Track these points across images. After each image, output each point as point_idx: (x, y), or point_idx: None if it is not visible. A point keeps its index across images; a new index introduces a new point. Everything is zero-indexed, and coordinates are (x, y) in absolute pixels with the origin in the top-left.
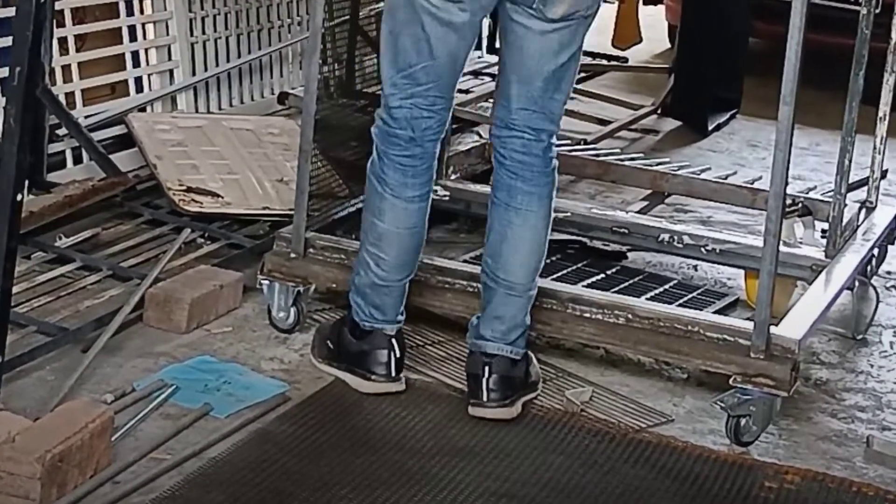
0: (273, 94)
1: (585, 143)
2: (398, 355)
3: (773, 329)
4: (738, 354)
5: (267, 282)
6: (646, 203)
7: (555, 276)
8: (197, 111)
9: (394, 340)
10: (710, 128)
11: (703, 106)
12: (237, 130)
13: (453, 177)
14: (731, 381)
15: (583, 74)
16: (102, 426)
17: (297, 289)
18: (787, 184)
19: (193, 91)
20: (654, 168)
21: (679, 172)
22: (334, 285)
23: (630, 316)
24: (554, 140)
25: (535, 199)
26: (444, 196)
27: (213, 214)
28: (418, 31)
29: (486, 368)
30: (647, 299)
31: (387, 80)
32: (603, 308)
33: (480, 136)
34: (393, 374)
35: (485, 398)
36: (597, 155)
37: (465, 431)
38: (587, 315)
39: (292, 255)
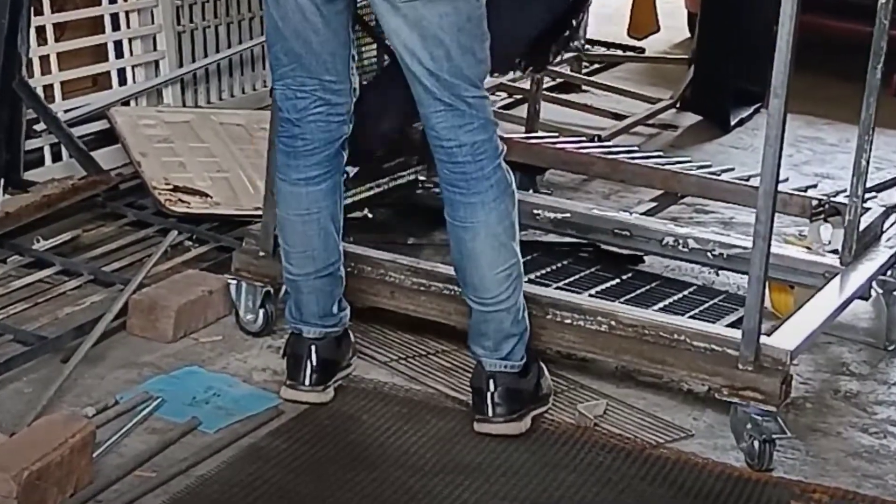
0: (265, 86)
1: (599, 139)
2: (315, 364)
3: (764, 339)
4: (725, 366)
5: (234, 282)
6: (654, 204)
7: (566, 281)
8: (184, 105)
9: (313, 346)
10: (732, 123)
11: (724, 99)
12: (227, 125)
13: None
14: (716, 395)
15: (596, 66)
16: (83, 441)
17: (265, 289)
18: (778, 181)
19: (180, 83)
20: (665, 167)
21: (692, 172)
22: None
23: (613, 323)
24: (485, 136)
25: (477, 209)
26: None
27: (202, 215)
28: (272, 12)
29: (490, 382)
30: (662, 307)
31: (270, 61)
32: (584, 314)
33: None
34: (308, 383)
35: (490, 413)
36: (608, 152)
37: (470, 447)
38: (567, 321)
39: (261, 254)
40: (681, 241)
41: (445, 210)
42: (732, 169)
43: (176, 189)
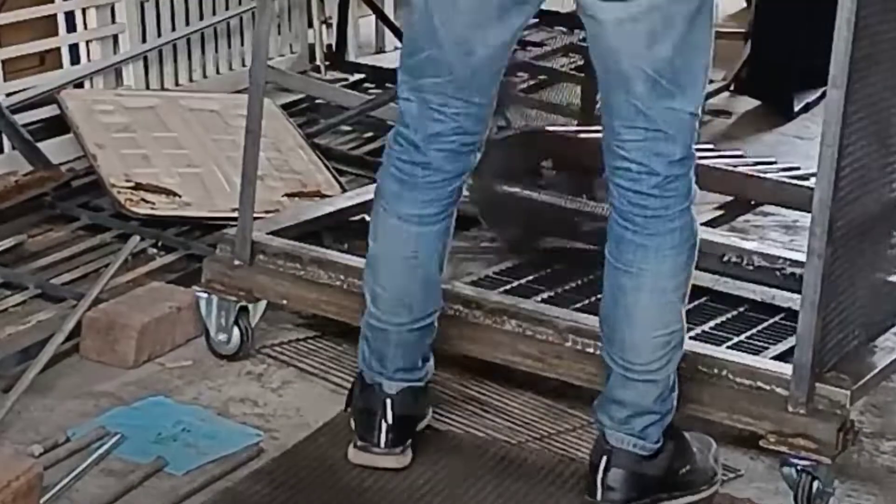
0: (244, 65)
1: None
2: (390, 422)
3: (821, 377)
4: (773, 408)
5: (205, 295)
6: (720, 213)
7: (594, 298)
8: (148, 87)
9: (389, 402)
10: (796, 108)
11: (787, 81)
12: (199, 112)
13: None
14: (762, 443)
15: None
16: (28, 485)
17: (240, 304)
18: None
19: (143, 62)
20: (739, 170)
21: (772, 176)
22: (285, 301)
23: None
24: (681, 170)
25: (650, 254)
26: (466, 196)
27: (169, 218)
28: (421, 6)
29: (605, 459)
30: (710, 329)
31: (400, 65)
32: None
33: (507, 121)
34: (384, 444)
35: (599, 496)
36: None
37: (487, 492)
38: (589, 350)
39: (236, 263)
40: (745, 258)
41: (608, 247)
42: (798, 169)
43: (138, 187)
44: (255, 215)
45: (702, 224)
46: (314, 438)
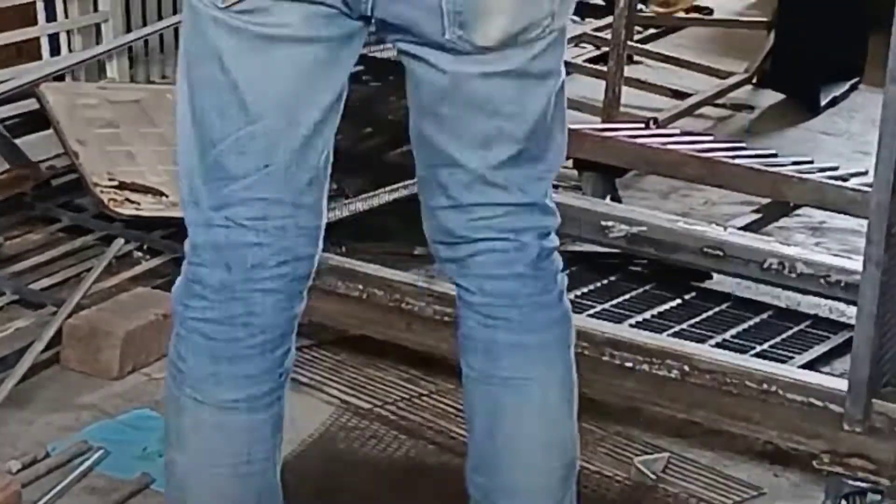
0: None
1: (656, 123)
2: None
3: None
4: (828, 426)
5: None
6: (758, 216)
7: (614, 302)
8: (133, 80)
9: None
10: (823, 103)
11: (813, 73)
12: None
13: None
14: (816, 464)
15: (653, 31)
16: (6, 503)
17: None
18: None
19: (128, 54)
20: (775, 169)
21: (810, 176)
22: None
23: (686, 368)
24: (553, 241)
25: (533, 356)
26: None
27: (155, 219)
28: (217, 75)
29: None
30: (735, 334)
31: (184, 177)
32: (650, 356)
33: None
34: None
35: None
36: (702, 148)
37: None
38: (628, 365)
39: None
40: (787, 265)
41: (466, 359)
42: (836, 168)
43: (122, 186)
44: None
45: (740, 227)
46: (308, 453)
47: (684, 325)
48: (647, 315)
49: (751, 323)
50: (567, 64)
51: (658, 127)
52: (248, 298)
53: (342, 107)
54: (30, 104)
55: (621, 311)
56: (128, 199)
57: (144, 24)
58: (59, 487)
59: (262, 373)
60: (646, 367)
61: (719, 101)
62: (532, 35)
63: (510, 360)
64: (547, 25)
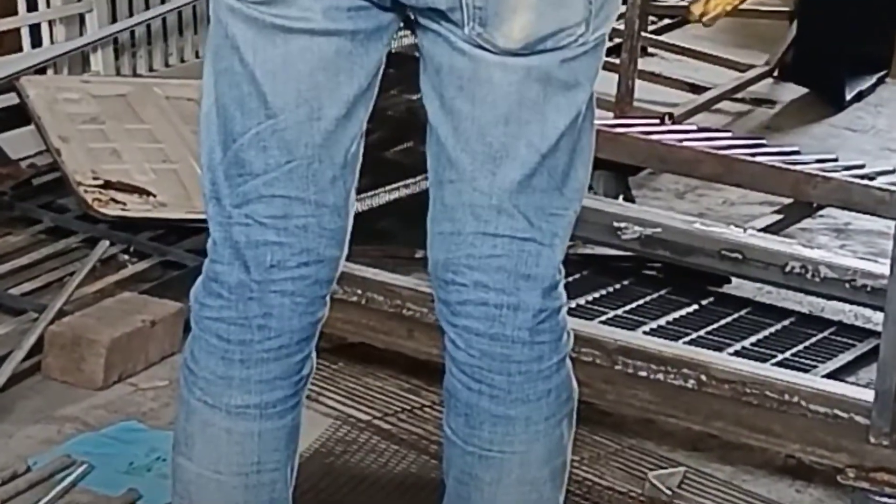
0: None
1: (671, 118)
2: None
3: None
4: (853, 439)
5: None
6: (779, 217)
7: (627, 308)
8: (118, 73)
9: None
10: (848, 97)
11: (837, 66)
12: (176, 100)
13: None
14: (840, 478)
15: (666, 21)
16: None
17: None
18: None
19: (113, 45)
20: (798, 167)
21: (836, 174)
22: None
23: (703, 377)
24: (559, 297)
25: (517, 429)
26: None
27: (142, 220)
28: (235, 67)
29: None
30: (755, 342)
31: (206, 172)
32: (665, 365)
33: None
34: None
35: None
36: (719, 145)
37: None
38: (642, 374)
39: None
40: (810, 268)
41: (448, 419)
42: (863, 166)
43: (107, 185)
44: None
45: (760, 229)
46: (304, 468)
47: (701, 333)
48: (662, 321)
49: (771, 330)
50: None
51: (673, 123)
52: (265, 299)
53: (372, 103)
54: (9, 98)
55: (634, 318)
56: (113, 199)
57: (131, 14)
58: (41, 503)
59: (276, 378)
60: (661, 376)
61: (738, 96)
62: (562, 43)
63: (491, 431)
64: (580, 35)
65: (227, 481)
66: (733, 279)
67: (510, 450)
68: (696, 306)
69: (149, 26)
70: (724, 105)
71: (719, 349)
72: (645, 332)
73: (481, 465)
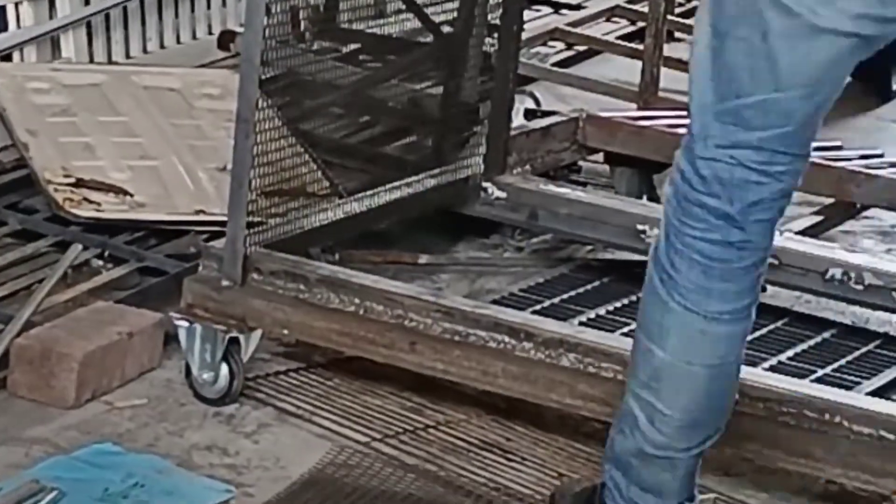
0: (210, 33)
1: None
2: None
3: None
4: None
5: (185, 323)
6: (819, 219)
7: None
8: (91, 60)
9: None
10: (894, 87)
11: (884, 54)
12: (155, 90)
13: (516, 170)
14: None
15: (696, 3)
16: None
17: (228, 335)
18: None
19: (86, 29)
20: (839, 164)
21: (879, 172)
22: (286, 331)
23: (736, 395)
24: None
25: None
26: (499, 198)
27: (118, 222)
28: (755, 41)
29: None
30: (792, 356)
31: (697, 112)
32: None
33: (537, 102)
34: None
35: None
36: None
37: None
38: None
39: (224, 283)
40: (853, 275)
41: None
42: None
43: (80, 183)
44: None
45: (797, 232)
46: (297, 495)
47: None
48: None
49: (811, 343)
50: (596, 41)
51: None
52: (747, 228)
53: None
54: None
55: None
56: (86, 199)
57: None
58: None
59: (746, 289)
60: None
61: None
62: None
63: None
64: None
65: (697, 371)
66: (768, 287)
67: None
68: None
69: (125, 8)
70: None
71: (753, 364)
72: None
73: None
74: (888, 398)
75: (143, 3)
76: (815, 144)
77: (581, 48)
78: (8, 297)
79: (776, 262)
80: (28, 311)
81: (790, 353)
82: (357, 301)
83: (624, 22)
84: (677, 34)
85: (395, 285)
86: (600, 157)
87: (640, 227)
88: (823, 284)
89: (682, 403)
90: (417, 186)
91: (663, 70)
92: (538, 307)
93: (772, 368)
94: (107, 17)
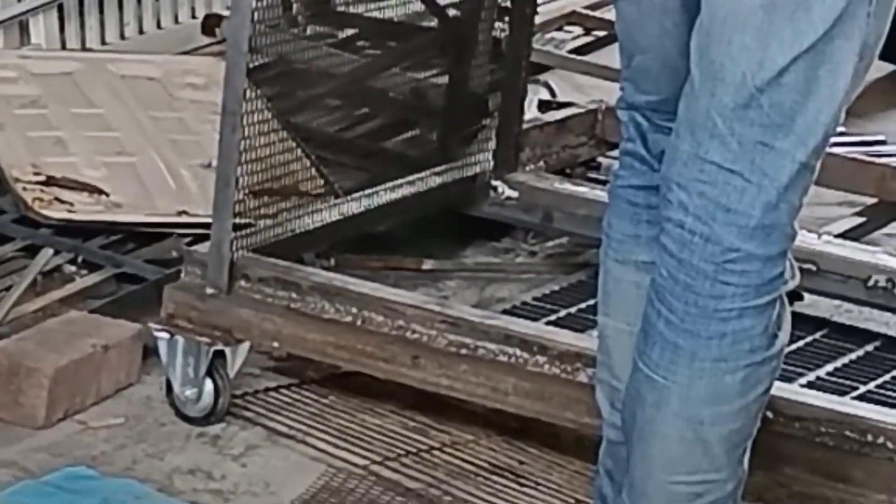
0: (195, 17)
1: None
2: None
3: None
4: None
5: (166, 335)
6: (861, 220)
7: None
8: (63, 47)
9: None
10: None
11: None
12: (133, 80)
13: (529, 167)
14: None
15: None
16: None
17: (213, 348)
18: None
19: (58, 12)
20: (882, 160)
21: None
22: (276, 343)
23: (769, 414)
24: (757, 247)
25: (680, 359)
26: (511, 197)
27: (93, 224)
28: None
29: None
30: (831, 371)
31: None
32: None
33: (552, 92)
34: None
35: None
36: None
37: None
38: None
39: (209, 291)
40: None
41: (638, 338)
42: None
43: (51, 182)
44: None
45: (838, 235)
46: None
47: None
48: None
49: (852, 357)
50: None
51: None
52: None
53: None
54: None
55: None
56: (57, 199)
57: None
58: None
59: None
60: None
61: None
62: None
63: (659, 354)
64: None
65: (635, 332)
66: (805, 296)
67: (672, 378)
68: None
69: None
70: None
71: (789, 380)
72: None
73: (646, 385)
74: None
75: None
76: (856, 139)
77: (601, 33)
78: None
79: (814, 267)
80: None
81: (829, 367)
82: (354, 311)
83: None
84: None
85: (396, 293)
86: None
87: None
88: (866, 292)
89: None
90: (420, 185)
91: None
92: (553, 317)
93: (809, 385)
94: (80, 0)
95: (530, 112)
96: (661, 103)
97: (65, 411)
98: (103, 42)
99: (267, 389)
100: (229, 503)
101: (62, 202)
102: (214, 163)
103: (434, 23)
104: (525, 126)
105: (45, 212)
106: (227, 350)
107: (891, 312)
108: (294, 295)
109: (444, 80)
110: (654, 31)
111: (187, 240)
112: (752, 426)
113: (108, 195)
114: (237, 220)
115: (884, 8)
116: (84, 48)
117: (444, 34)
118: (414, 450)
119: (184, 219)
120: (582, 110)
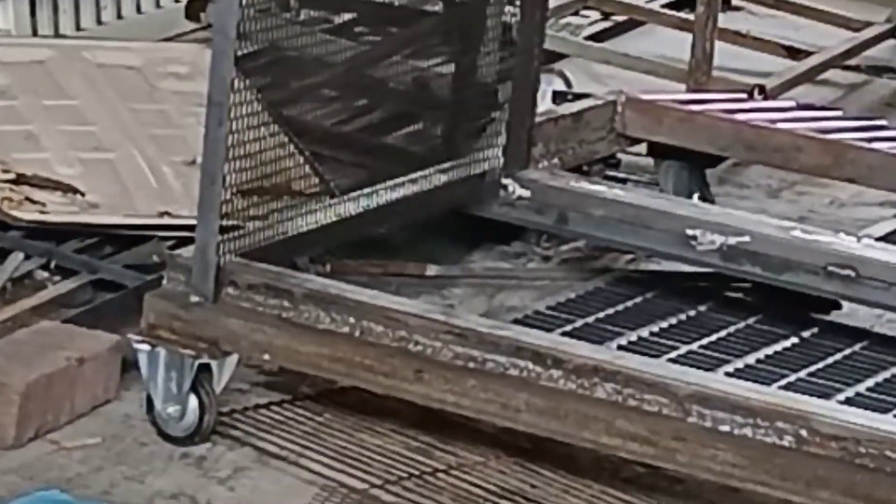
0: (178, 0)
1: (762, 92)
2: None
3: None
4: None
5: (147, 347)
6: None
7: (702, 342)
8: (35, 33)
9: None
10: None
11: None
12: (111, 69)
13: (542, 164)
14: None
15: None
16: None
17: (199, 361)
18: None
19: None
20: None
21: None
22: (267, 356)
23: (804, 433)
24: None
25: None
26: (522, 197)
27: (67, 226)
28: None
29: None
30: (872, 387)
31: None
32: (754, 416)
33: (567, 82)
34: None
35: None
36: (826, 127)
37: None
38: (723, 428)
39: (193, 300)
40: None
41: None
42: None
43: (21, 180)
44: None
45: (879, 238)
46: None
47: (802, 374)
48: (750, 360)
49: (894, 371)
50: (638, 10)
51: (765, 98)
52: None
53: None
54: None
55: (714, 355)
56: (29, 199)
57: None
58: None
59: None
60: (748, 431)
61: (851, 62)
62: None
63: None
64: None
65: None
66: (844, 304)
67: None
68: (794, 339)
69: None
70: (833, 74)
71: (826, 396)
72: (728, 374)
73: None
74: None
75: None
76: (893, 133)
77: (620, 18)
78: None
79: (853, 273)
80: None
81: (870, 382)
82: (352, 320)
83: None
84: (735, 2)
85: (397, 302)
86: (642, 148)
87: (689, 232)
88: None
89: None
90: (424, 184)
91: (718, 44)
92: (569, 328)
93: (847, 401)
94: None
95: (543, 104)
96: None
97: (36, 430)
98: (78, 28)
99: (257, 406)
100: None
101: (33, 202)
102: (199, 159)
103: (439, 6)
104: (538, 119)
105: (14, 213)
106: (214, 363)
107: None
108: (286, 303)
109: (450, 69)
110: None
111: (170, 243)
112: None
113: (83, 195)
114: (224, 222)
115: None
116: (57, 34)
117: (450, 19)
118: (417, 472)
119: (166, 220)
120: (600, 102)
